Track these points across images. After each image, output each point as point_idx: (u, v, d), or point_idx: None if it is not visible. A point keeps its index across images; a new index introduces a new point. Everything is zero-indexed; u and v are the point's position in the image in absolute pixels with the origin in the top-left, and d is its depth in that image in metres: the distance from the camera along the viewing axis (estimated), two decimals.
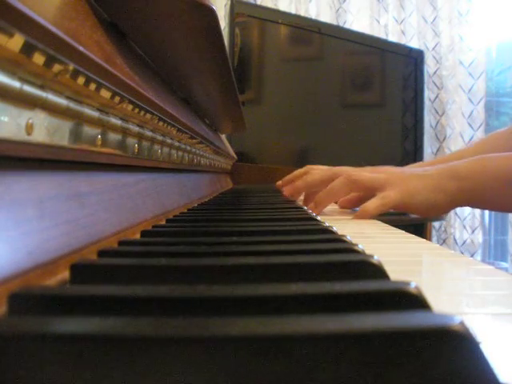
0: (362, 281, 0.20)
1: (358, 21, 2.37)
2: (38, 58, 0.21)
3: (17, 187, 0.22)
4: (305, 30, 1.92)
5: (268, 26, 1.80)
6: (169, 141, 0.54)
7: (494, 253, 2.62)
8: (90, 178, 0.32)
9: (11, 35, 0.19)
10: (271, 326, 0.13)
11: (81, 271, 0.23)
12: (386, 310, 0.16)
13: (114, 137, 0.36)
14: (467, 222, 2.41)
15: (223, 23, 1.87)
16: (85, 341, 0.13)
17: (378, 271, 0.23)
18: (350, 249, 0.27)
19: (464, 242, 2.41)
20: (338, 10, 2.34)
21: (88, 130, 0.30)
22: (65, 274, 0.23)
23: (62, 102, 0.25)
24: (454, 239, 2.42)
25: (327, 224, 0.41)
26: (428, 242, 0.50)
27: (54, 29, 0.22)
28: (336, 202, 0.87)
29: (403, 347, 0.13)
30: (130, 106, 0.36)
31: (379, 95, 2.18)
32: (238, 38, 1.66)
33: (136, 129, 0.40)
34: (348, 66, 2.10)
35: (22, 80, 0.21)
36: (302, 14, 2.26)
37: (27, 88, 0.21)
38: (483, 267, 0.34)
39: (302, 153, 1.95)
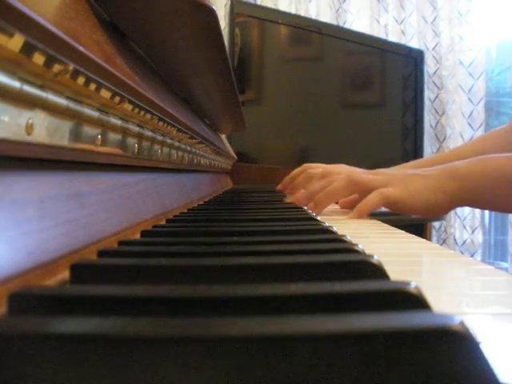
0: (362, 281, 0.20)
1: (358, 21, 2.37)
2: (38, 58, 0.21)
3: (17, 187, 0.22)
4: (305, 30, 1.92)
5: (268, 26, 1.80)
6: (169, 141, 0.54)
7: (494, 253, 2.62)
8: (90, 178, 0.32)
9: (11, 35, 0.19)
10: (271, 326, 0.13)
11: (81, 271, 0.23)
12: (386, 310, 0.16)
13: (113, 137, 0.36)
14: (467, 221, 2.41)
15: (223, 23, 1.86)
16: (85, 341, 0.13)
17: (378, 271, 0.23)
18: (350, 249, 0.27)
19: (464, 242, 2.41)
20: (338, 10, 2.34)
21: (88, 130, 0.30)
22: (65, 274, 0.23)
23: (61, 102, 0.25)
24: (454, 239, 2.42)
25: (327, 224, 0.41)
26: (428, 242, 0.50)
27: (54, 29, 0.22)
28: (337, 203, 0.87)
29: (403, 347, 0.13)
30: (130, 106, 0.36)
31: (379, 95, 2.18)
32: (238, 38, 1.66)
33: (136, 129, 0.40)
34: (348, 66, 2.10)
35: (22, 80, 0.21)
36: (302, 14, 2.26)
37: (27, 88, 0.21)
38: (483, 267, 0.34)
39: (301, 153, 1.95)
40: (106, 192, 0.34)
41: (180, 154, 0.62)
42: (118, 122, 0.35)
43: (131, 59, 0.42)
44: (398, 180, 0.70)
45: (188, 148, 0.67)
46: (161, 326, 0.13)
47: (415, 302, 0.17)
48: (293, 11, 2.26)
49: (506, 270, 2.12)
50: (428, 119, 2.44)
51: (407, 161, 1.09)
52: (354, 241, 0.31)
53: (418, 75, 2.26)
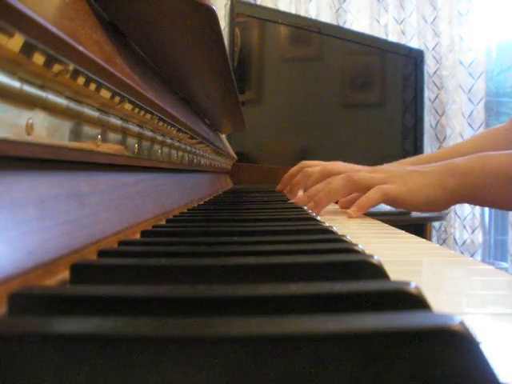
0: (362, 281, 0.20)
1: (358, 21, 2.37)
2: (38, 58, 0.21)
3: (17, 187, 0.22)
4: (305, 30, 1.92)
5: (268, 26, 1.80)
6: (169, 141, 0.54)
7: (494, 253, 2.62)
8: (90, 178, 0.32)
9: (11, 35, 0.19)
10: (271, 326, 0.13)
11: (81, 271, 0.23)
12: (386, 310, 0.16)
13: (113, 137, 0.36)
14: (467, 221, 2.41)
15: (223, 23, 1.86)
16: (85, 341, 0.13)
17: (377, 271, 0.23)
18: (350, 249, 0.27)
19: (464, 242, 2.41)
20: (338, 10, 2.34)
21: (88, 130, 0.30)
22: (65, 274, 0.23)
23: (61, 101, 0.25)
24: (454, 239, 2.42)
25: (327, 224, 0.41)
26: (428, 241, 0.50)
27: (54, 29, 0.22)
28: (336, 202, 0.87)
29: (403, 347, 0.13)
30: (130, 106, 0.36)
31: (379, 95, 2.18)
32: (238, 38, 1.66)
33: (136, 129, 0.40)
34: (348, 66, 2.10)
35: (22, 80, 0.21)
36: (302, 14, 2.26)
37: (27, 88, 0.21)
38: (483, 267, 0.34)
39: (301, 153, 1.95)
40: (106, 192, 0.34)
41: (180, 153, 0.62)
42: (118, 122, 0.35)
43: (131, 59, 0.42)
44: (397, 177, 0.70)
45: (188, 148, 0.67)
46: (161, 326, 0.13)
47: (415, 301, 0.17)
48: (293, 11, 2.25)
49: (506, 270, 2.12)
50: (428, 119, 2.44)
51: None
52: (354, 241, 0.31)
53: (418, 75, 2.26)
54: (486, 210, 2.44)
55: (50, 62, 0.22)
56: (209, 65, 0.59)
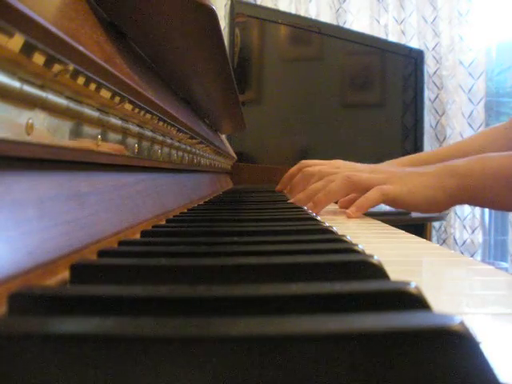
0: (362, 281, 0.20)
1: (358, 21, 2.37)
2: (38, 58, 0.21)
3: (17, 187, 0.22)
4: (305, 30, 1.92)
5: (268, 26, 1.80)
6: (169, 141, 0.54)
7: (494, 253, 2.62)
8: (90, 178, 0.32)
9: (11, 35, 0.19)
10: (272, 326, 0.13)
11: (81, 271, 0.23)
12: (386, 310, 0.16)
13: (113, 137, 0.36)
14: (467, 222, 2.41)
15: (223, 23, 1.87)
16: (85, 341, 0.13)
17: (378, 271, 0.23)
18: (350, 249, 0.27)
19: (464, 242, 2.41)
20: (338, 10, 2.34)
21: (88, 130, 0.30)
22: (65, 274, 0.23)
23: (61, 102, 0.25)
24: (454, 239, 2.42)
25: (327, 224, 0.41)
26: (428, 242, 0.50)
27: (53, 29, 0.22)
28: (336, 202, 0.87)
29: (403, 347, 0.13)
30: (130, 106, 0.36)
31: (379, 95, 2.18)
32: (238, 38, 1.66)
33: (136, 129, 0.40)
34: (348, 66, 2.10)
35: (22, 80, 0.21)
36: (302, 14, 2.26)
37: (27, 88, 0.21)
38: (483, 267, 0.34)
39: (302, 152, 1.95)
40: (105, 192, 0.34)
41: (180, 154, 0.62)
42: (118, 122, 0.35)
43: (131, 59, 0.42)
44: (396, 178, 0.70)
45: (188, 148, 0.67)
46: (161, 326, 0.13)
47: (415, 301, 0.17)
48: (293, 11, 2.26)
49: (506, 270, 2.12)
50: (428, 119, 2.44)
51: None
52: (354, 241, 0.31)
53: (418, 75, 2.26)
54: (486, 210, 2.44)
55: (50, 61, 0.22)
56: (209, 65, 0.59)
